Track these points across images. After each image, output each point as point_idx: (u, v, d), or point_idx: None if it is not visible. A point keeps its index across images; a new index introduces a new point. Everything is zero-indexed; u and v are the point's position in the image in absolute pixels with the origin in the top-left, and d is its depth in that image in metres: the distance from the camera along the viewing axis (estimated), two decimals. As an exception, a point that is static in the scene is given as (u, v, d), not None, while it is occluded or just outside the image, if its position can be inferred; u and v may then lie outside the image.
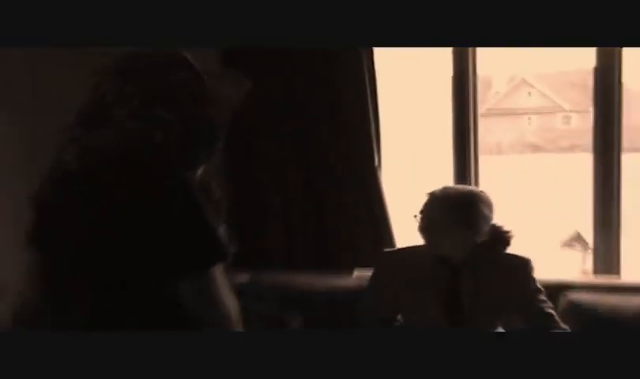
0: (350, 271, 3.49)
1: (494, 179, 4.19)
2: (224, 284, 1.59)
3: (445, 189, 2.63)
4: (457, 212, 2.53)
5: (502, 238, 2.65)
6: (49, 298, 1.74)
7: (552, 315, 2.63)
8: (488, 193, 2.67)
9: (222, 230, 1.67)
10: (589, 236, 3.70)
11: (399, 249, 2.92)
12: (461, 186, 2.71)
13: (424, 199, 2.66)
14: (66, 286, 1.70)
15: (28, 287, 1.80)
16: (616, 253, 3.36)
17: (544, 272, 3.23)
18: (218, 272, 1.58)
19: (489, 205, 2.59)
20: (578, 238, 4.78)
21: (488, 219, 2.58)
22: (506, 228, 2.67)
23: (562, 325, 2.62)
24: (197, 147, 1.68)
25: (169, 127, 1.59)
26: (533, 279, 2.66)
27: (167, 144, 1.59)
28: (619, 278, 3.31)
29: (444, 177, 3.73)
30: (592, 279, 3.33)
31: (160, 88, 1.60)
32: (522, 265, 2.65)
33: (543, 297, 2.66)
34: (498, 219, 2.66)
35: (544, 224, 5.38)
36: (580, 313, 2.95)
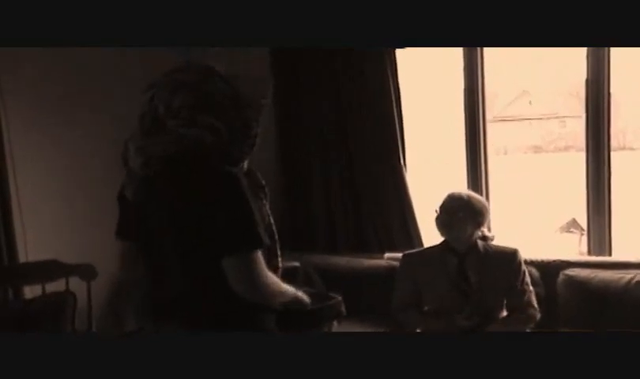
0: (381, 254, 3.54)
1: (502, 176, 4.19)
2: (262, 267, 1.58)
3: (461, 193, 2.79)
4: (471, 213, 2.70)
5: (487, 237, 2.83)
6: (137, 277, 1.81)
7: (531, 295, 2.72)
8: (497, 189, 2.83)
9: (264, 219, 1.67)
10: (583, 222, 3.69)
11: (416, 251, 3.04)
12: (474, 193, 2.86)
13: (443, 195, 2.76)
14: (147, 267, 1.76)
15: (120, 269, 1.87)
16: (608, 235, 3.37)
17: (546, 253, 3.27)
18: (257, 256, 1.57)
19: (488, 213, 2.82)
20: (575, 224, 4.77)
21: (485, 222, 2.79)
22: (489, 234, 2.87)
23: (535, 305, 2.70)
24: (239, 143, 1.69)
25: (215, 130, 1.63)
26: (521, 266, 2.75)
27: (216, 145, 1.63)
28: (611, 257, 3.30)
29: (458, 175, 3.76)
30: (586, 257, 3.32)
31: (202, 99, 1.63)
32: (512, 254, 2.75)
33: (527, 280, 2.75)
34: (507, 210, 2.75)
35: (545, 213, 5.37)
36: (576, 287, 2.97)
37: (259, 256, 1.58)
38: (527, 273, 2.76)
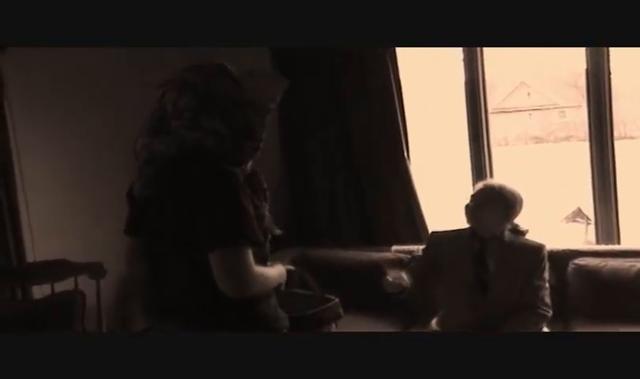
0: (389, 246, 3.50)
1: (504, 167, 4.16)
2: (248, 265, 1.54)
3: (494, 184, 2.72)
4: (501, 204, 2.63)
5: (519, 231, 2.75)
6: (144, 274, 1.77)
7: (546, 292, 2.63)
8: (501, 180, 2.77)
9: (262, 219, 1.65)
10: (589, 212, 3.65)
11: (443, 231, 2.96)
12: (509, 186, 2.73)
13: (448, 187, 2.72)
14: (148, 266, 1.74)
15: (128, 266, 1.85)
16: (616, 224, 3.32)
17: (553, 243, 3.21)
18: (243, 252, 1.52)
19: (521, 206, 2.69)
20: (580, 214, 4.72)
21: (517, 215, 2.69)
22: (523, 227, 2.77)
23: (549, 303, 2.61)
24: (243, 146, 1.65)
25: (218, 134, 1.60)
26: (543, 263, 2.65)
27: (218, 148, 1.60)
28: (620, 245, 3.25)
29: (462, 167, 3.72)
30: (595, 246, 3.27)
31: (207, 101, 1.59)
32: (537, 248, 2.67)
33: (545, 277, 2.65)
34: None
35: (550, 203, 5.32)
36: (585, 276, 2.92)
37: (246, 253, 1.53)
38: (547, 270, 2.67)
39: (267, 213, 1.72)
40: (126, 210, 1.77)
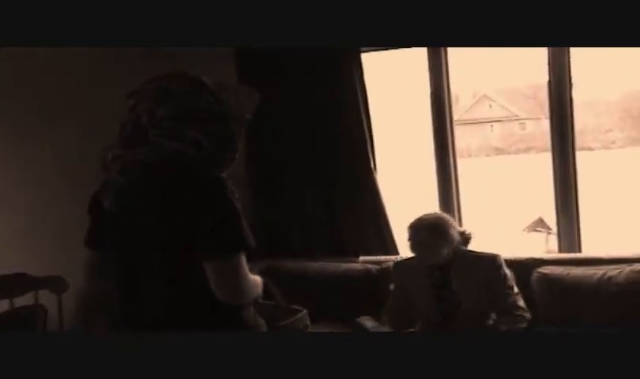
0: (356, 257, 3.49)
1: (466, 178, 4.21)
2: (245, 271, 1.54)
3: (419, 219, 2.79)
4: (434, 233, 2.70)
5: (465, 238, 2.83)
6: (115, 289, 1.72)
7: (517, 297, 2.70)
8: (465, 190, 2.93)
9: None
10: (551, 221, 3.70)
11: (404, 260, 3.01)
12: (430, 214, 2.84)
13: (416, 198, 2.77)
14: (120, 278, 1.69)
15: (89, 281, 1.79)
16: (577, 233, 3.38)
17: (515, 252, 3.26)
18: (241, 259, 1.52)
19: (452, 221, 2.81)
20: (541, 223, 4.80)
21: (455, 231, 2.77)
22: (465, 230, 2.87)
23: (523, 306, 2.68)
24: (221, 156, 1.64)
25: (199, 144, 1.58)
26: (501, 270, 2.73)
27: (198, 156, 1.58)
28: (581, 253, 3.31)
29: (427, 178, 3.74)
30: (558, 255, 3.32)
31: (186, 112, 1.57)
32: (492, 259, 2.74)
33: (511, 284, 2.73)
34: (475, 211, 2.73)
35: (513, 213, 5.40)
36: (550, 284, 2.96)
37: (243, 259, 1.53)
38: (510, 277, 2.74)
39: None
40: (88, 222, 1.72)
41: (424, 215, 2.82)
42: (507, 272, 2.74)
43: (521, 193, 6.10)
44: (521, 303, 2.69)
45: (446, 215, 2.84)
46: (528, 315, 2.67)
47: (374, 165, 3.63)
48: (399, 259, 3.10)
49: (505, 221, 4.83)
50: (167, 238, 1.54)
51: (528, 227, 4.95)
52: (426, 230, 2.71)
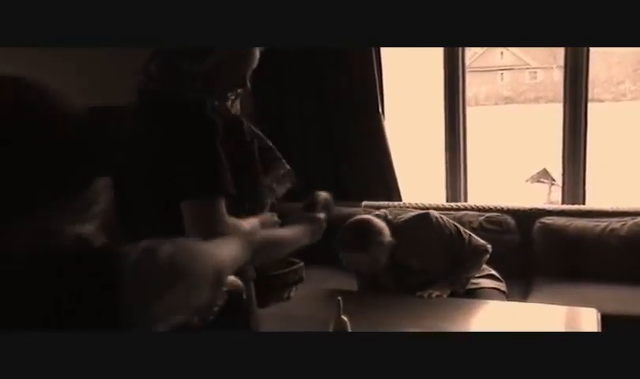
0: (359, 202, 3.49)
1: (474, 128, 4.16)
2: (219, 217, 1.43)
3: (348, 240, 2.46)
4: (375, 239, 2.42)
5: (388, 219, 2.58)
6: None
7: (470, 238, 2.53)
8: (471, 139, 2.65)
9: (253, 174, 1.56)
10: (555, 173, 3.67)
11: None
12: (356, 218, 2.59)
13: (422, 146, 2.65)
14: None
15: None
16: (582, 185, 3.35)
17: (516, 202, 3.25)
18: (216, 204, 1.42)
19: (378, 224, 2.48)
20: (545, 174, 4.76)
21: (382, 231, 2.45)
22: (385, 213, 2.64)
23: (479, 241, 2.52)
24: (220, 79, 1.55)
25: (192, 73, 1.52)
26: (439, 222, 2.52)
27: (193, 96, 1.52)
28: (585, 205, 3.29)
29: (436, 126, 3.70)
30: (562, 206, 3.30)
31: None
32: (425, 217, 2.53)
33: (454, 229, 2.53)
34: (481, 160, 2.63)
35: (518, 163, 5.34)
36: (552, 235, 2.95)
37: (218, 205, 1.44)
38: (451, 224, 2.53)
39: (277, 172, 1.65)
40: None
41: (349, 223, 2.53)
42: (444, 221, 2.53)
43: (528, 143, 6.04)
44: (477, 239, 2.51)
45: (371, 218, 2.54)
46: (488, 246, 2.50)
47: (383, 110, 3.58)
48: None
49: (510, 171, 4.79)
50: (157, 173, 1.50)
51: (532, 178, 4.90)
52: (363, 239, 2.40)
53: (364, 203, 3.46)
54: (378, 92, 3.54)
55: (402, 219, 2.56)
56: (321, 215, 1.70)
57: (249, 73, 1.62)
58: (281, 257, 1.69)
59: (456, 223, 2.57)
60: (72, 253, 0.86)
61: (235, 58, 1.61)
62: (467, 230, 2.58)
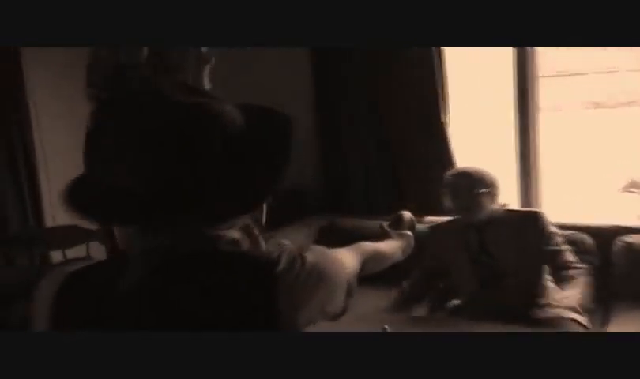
0: (422, 217, 3.27)
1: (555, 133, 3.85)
2: None
3: (465, 169, 2.56)
4: (481, 187, 2.45)
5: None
6: None
7: (566, 253, 2.45)
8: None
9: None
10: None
11: (439, 224, 2.74)
12: (472, 168, 2.54)
13: (489, 158, 2.53)
14: None
15: None
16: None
17: (602, 216, 2.92)
18: None
19: (495, 182, 2.51)
20: (635, 184, 4.35)
21: (496, 191, 2.50)
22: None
23: (575, 262, 2.43)
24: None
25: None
26: (546, 227, 2.46)
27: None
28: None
29: (506, 132, 3.45)
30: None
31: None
32: (534, 216, 2.50)
33: (558, 240, 2.47)
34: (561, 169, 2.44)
35: (603, 173, 4.92)
36: (635, 255, 2.61)
37: None
38: (557, 233, 2.47)
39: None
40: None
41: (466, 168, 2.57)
42: (552, 228, 2.46)
43: (617, 151, 5.57)
44: (572, 258, 2.43)
45: (490, 173, 2.54)
46: (585, 270, 2.41)
47: (447, 117, 3.36)
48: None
49: (595, 181, 4.45)
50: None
51: (621, 188, 4.48)
52: (472, 180, 2.44)
53: (426, 218, 3.24)
54: (442, 99, 3.33)
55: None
56: (410, 233, 1.60)
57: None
58: (379, 271, 1.60)
59: (559, 235, 2.48)
60: (230, 255, 0.89)
61: None
62: (567, 247, 2.48)
